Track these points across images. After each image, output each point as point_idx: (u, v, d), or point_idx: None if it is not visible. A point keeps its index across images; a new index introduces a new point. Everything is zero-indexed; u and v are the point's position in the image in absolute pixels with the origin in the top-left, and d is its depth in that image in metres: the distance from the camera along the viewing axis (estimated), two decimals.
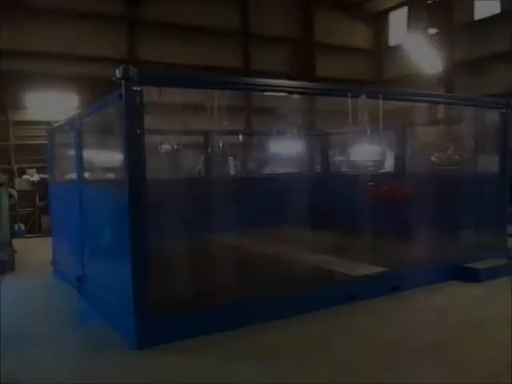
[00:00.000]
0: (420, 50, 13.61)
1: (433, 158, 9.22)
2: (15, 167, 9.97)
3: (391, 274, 4.68)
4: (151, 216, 3.88)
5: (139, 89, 3.31)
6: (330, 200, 7.88)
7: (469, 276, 5.09)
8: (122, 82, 3.26)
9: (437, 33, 13.61)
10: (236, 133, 9.36)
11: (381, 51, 15.76)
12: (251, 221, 7.01)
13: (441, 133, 9.17)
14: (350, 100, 4.50)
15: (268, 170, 11.94)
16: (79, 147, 4.61)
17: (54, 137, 6.08)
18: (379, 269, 4.71)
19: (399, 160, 7.60)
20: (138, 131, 3.32)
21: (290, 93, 4.24)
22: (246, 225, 7.00)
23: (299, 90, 4.26)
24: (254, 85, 4.24)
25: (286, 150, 11.89)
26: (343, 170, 10.63)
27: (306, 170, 11.47)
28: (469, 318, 4.00)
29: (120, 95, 3.32)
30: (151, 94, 3.65)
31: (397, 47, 14.86)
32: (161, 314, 3.45)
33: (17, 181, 9.73)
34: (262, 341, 3.52)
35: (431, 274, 4.96)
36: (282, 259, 5.26)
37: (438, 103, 5.70)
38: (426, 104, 5.88)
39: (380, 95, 4.67)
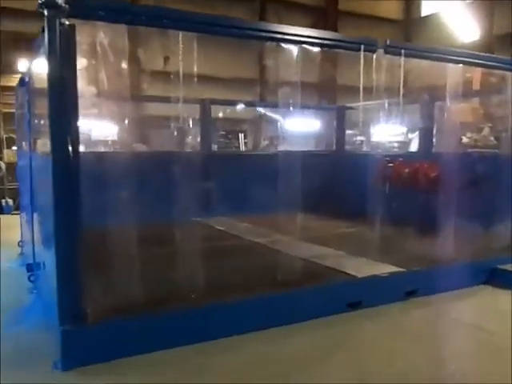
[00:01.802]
0: (457, 19, 12.37)
1: (464, 139, 8.21)
2: (4, 137, 9.35)
3: (407, 276, 3.80)
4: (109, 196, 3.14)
5: (68, 22, 2.46)
6: (341, 182, 7.00)
7: (503, 280, 4.18)
8: (45, 11, 2.42)
9: (475, 1, 12.33)
10: (244, 104, 8.51)
11: (412, 21, 14.51)
12: (248, 203, 6.24)
13: (476, 111, 8.13)
14: (362, 55, 3.57)
15: (280, 148, 11.09)
16: (28, 107, 3.82)
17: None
18: (392, 268, 3.83)
19: (424, 139, 6.60)
20: (64, 79, 2.48)
21: (283, 41, 3.33)
22: (241, 208, 6.23)
23: (293, 36, 3.33)
24: (242, 28, 3.34)
25: (300, 126, 11.01)
26: (363, 149, 9.68)
27: (319, 148, 10.60)
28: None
29: (43, 30, 2.48)
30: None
31: (430, 17, 13.61)
32: (98, 325, 2.67)
33: (5, 152, 9.12)
34: (223, 361, 2.73)
35: (456, 277, 4.06)
36: (273, 252, 4.42)
37: (476, 65, 4.69)
38: (460, 69, 4.91)
39: (402, 51, 3.72)
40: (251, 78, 12.36)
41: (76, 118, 2.56)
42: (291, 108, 8.92)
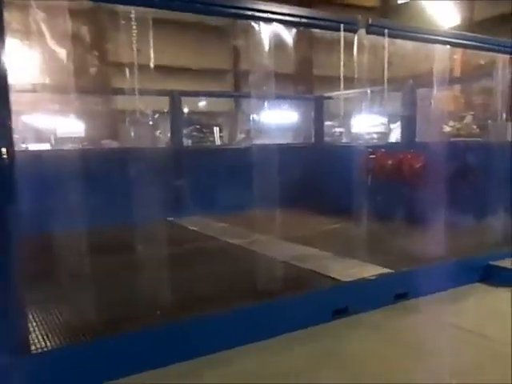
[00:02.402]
0: (435, 5, 12.18)
1: (446, 128, 8.01)
2: None
3: (396, 277, 3.50)
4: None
5: None
6: (322, 176, 6.69)
7: (498, 278, 3.91)
8: None
9: None
10: (217, 95, 8.11)
11: (389, 9, 14.30)
12: (224, 201, 5.90)
13: (458, 99, 7.93)
14: (342, 36, 3.23)
15: (257, 141, 10.74)
16: None
17: None
18: (380, 269, 3.52)
19: (407, 129, 6.32)
20: None
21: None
22: (216, 206, 5.88)
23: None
24: (208, 4, 2.94)
25: (278, 118, 10.68)
26: (342, 141, 9.40)
27: (297, 140, 10.29)
28: None
29: None
30: None
31: (407, 4, 13.41)
32: (40, 355, 2.27)
33: None
34: None
35: (448, 276, 3.78)
36: (250, 254, 4.06)
37: (466, 47, 4.39)
38: (443, 54, 4.62)
39: (386, 30, 3.39)
40: (224, 68, 11.94)
41: (6, 111, 2.14)
42: (267, 99, 8.55)
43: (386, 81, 4.95)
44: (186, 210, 6.03)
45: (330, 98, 7.64)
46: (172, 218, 5.93)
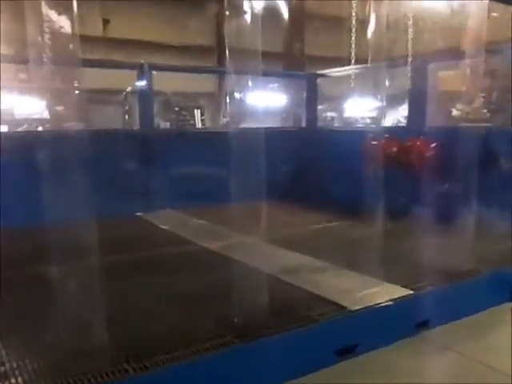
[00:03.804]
0: None
1: (454, 111, 7.26)
2: None
3: (417, 301, 2.72)
4: None
5: None
6: (316, 165, 5.91)
7: None
8: None
9: None
10: (196, 71, 7.18)
11: None
12: (203, 192, 5.11)
13: (467, 78, 7.12)
14: None
15: (243, 125, 9.91)
16: None
17: None
18: (393, 288, 2.74)
19: (415, 111, 5.52)
20: None
21: None
22: (194, 198, 5.08)
23: None
24: None
25: (265, 100, 9.84)
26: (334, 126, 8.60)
27: (286, 124, 9.48)
28: None
29: None
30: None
31: None
32: None
33: None
34: None
35: (476, 295, 3.04)
36: (229, 265, 3.24)
37: None
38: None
39: None
40: (207, 45, 11.00)
41: None
42: (253, 77, 7.58)
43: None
44: (158, 203, 5.22)
45: (324, 75, 6.81)
46: (140, 213, 5.11)
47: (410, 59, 5.80)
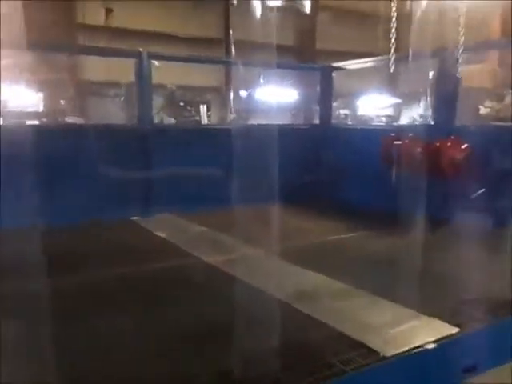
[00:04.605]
0: None
1: (482, 109, 6.71)
2: None
3: (465, 340, 2.19)
4: None
5: None
6: (331, 166, 5.40)
7: None
8: None
9: None
10: (201, 61, 6.67)
11: None
12: (206, 194, 4.66)
13: (495, 74, 6.59)
14: None
15: (251, 121, 9.39)
16: None
17: None
18: (438, 327, 2.21)
19: (444, 108, 4.96)
20: None
21: None
22: (196, 201, 4.62)
23: None
24: None
25: (275, 95, 9.33)
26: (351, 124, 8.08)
27: (300, 121, 8.98)
28: None
29: None
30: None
31: None
32: None
33: None
34: None
35: None
36: (232, 287, 2.74)
37: None
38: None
39: None
40: (215, 37, 10.50)
41: None
42: (263, 70, 7.07)
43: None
44: (157, 206, 4.73)
45: (340, 68, 6.27)
46: (136, 218, 4.63)
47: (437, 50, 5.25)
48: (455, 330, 2.18)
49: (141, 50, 4.67)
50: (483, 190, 4.06)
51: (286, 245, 3.52)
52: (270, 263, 3.15)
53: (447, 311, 2.36)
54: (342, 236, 4.05)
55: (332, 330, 2.17)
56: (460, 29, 4.30)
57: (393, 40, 4.18)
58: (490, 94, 6.62)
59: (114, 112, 8.82)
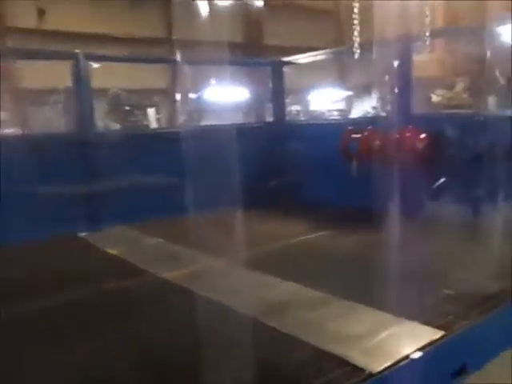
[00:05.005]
0: None
1: (434, 97, 6.75)
2: None
3: (451, 345, 2.05)
4: None
5: None
6: (291, 164, 5.23)
7: None
8: None
9: None
10: (143, 61, 6.32)
11: None
12: (161, 203, 4.41)
13: (444, 62, 6.64)
14: None
15: (203, 122, 9.11)
16: None
17: None
18: (422, 332, 2.06)
19: (400, 98, 4.88)
20: None
21: None
22: (150, 211, 4.36)
23: None
24: None
25: (225, 94, 9.11)
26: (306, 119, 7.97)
27: (253, 119, 8.82)
28: None
29: None
30: None
31: None
32: None
33: None
34: None
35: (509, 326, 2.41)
36: (196, 304, 2.50)
37: None
38: None
39: None
40: (158, 36, 10.14)
41: None
42: (211, 69, 6.83)
43: None
44: (107, 219, 4.40)
45: (290, 63, 6.12)
46: (85, 233, 4.28)
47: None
48: (440, 333, 2.03)
49: (77, 51, 4.33)
50: (444, 179, 4.02)
51: (250, 252, 3.32)
52: (234, 274, 2.93)
53: (429, 312, 2.21)
54: (308, 236, 3.88)
55: (310, 347, 1.97)
56: (411, 18, 4.23)
57: (356, 33, 4.08)
58: (441, 82, 6.68)
59: (55, 120, 8.35)
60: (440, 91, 6.66)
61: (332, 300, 2.43)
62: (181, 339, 2.13)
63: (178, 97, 10.24)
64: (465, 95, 6.34)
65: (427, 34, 3.75)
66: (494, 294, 2.39)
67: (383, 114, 7.18)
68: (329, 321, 2.20)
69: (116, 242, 3.99)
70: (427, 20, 3.54)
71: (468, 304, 2.29)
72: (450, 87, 6.73)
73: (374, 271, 2.66)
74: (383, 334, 2.03)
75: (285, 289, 2.67)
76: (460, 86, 6.60)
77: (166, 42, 10.45)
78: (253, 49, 10.57)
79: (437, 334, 2.01)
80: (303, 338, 2.04)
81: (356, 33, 4.07)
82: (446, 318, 2.16)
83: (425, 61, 6.50)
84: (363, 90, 10.45)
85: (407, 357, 1.85)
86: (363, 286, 2.55)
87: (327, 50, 5.88)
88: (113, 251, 3.71)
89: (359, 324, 2.14)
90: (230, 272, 2.95)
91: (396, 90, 4.87)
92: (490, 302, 2.30)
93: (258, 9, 10.77)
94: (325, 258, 3.22)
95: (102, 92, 8.64)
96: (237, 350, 1.90)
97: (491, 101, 5.24)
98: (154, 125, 10.13)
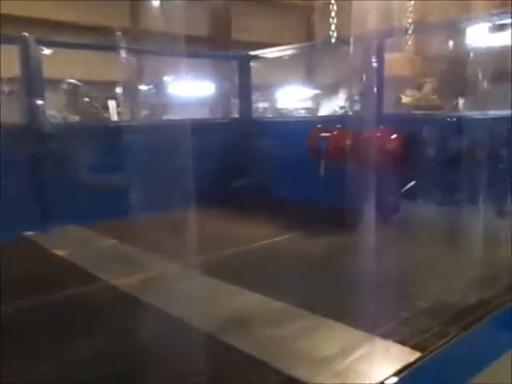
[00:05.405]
0: None
1: (404, 98, 6.64)
2: None
3: (430, 365, 1.86)
4: None
5: None
6: (257, 163, 5.03)
7: None
8: None
9: None
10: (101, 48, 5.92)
11: None
12: (117, 201, 4.07)
13: (414, 62, 6.54)
14: None
15: (166, 117, 8.79)
16: None
17: None
18: (397, 353, 1.86)
19: (371, 97, 4.73)
20: None
21: None
22: (106, 209, 4.07)
23: None
24: None
25: (190, 89, 8.81)
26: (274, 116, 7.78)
27: (219, 115, 8.58)
28: None
29: None
30: None
31: None
32: None
33: None
34: None
35: (482, 337, 2.25)
36: (143, 315, 2.23)
37: None
38: None
39: None
40: (120, 26, 9.72)
41: None
42: (176, 62, 6.59)
43: None
44: (58, 218, 4.06)
45: (258, 57, 5.89)
46: (32, 233, 3.93)
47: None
48: (416, 354, 1.84)
49: (25, 34, 3.97)
50: (413, 182, 3.91)
51: (210, 256, 3.09)
52: (190, 282, 2.68)
53: (404, 328, 2.03)
54: (273, 239, 3.65)
55: (274, 372, 1.74)
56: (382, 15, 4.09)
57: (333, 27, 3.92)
58: (411, 82, 6.60)
59: (9, 112, 7.85)
60: (410, 92, 6.59)
61: (298, 313, 2.21)
62: (121, 361, 1.87)
63: (141, 90, 9.88)
64: (433, 96, 6.28)
65: (409, 29, 3.59)
66: (473, 306, 2.22)
67: (351, 113, 7.05)
68: (295, 339, 1.98)
69: (66, 243, 3.66)
70: (410, 15, 3.39)
71: (446, 318, 2.11)
72: (420, 88, 6.67)
73: (343, 280, 2.48)
74: (355, 356, 1.82)
75: (246, 299, 2.43)
76: (427, 88, 6.53)
77: (131, 33, 10.05)
78: (220, 43, 10.30)
79: (413, 356, 1.82)
80: (265, 359, 1.81)
81: (333, 27, 3.89)
82: (423, 335, 1.97)
83: (395, 59, 6.41)
84: (331, 89, 10.35)
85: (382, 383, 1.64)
86: (332, 297, 2.36)
87: (296, 45, 5.68)
88: (61, 253, 3.39)
89: (328, 343, 1.93)
90: (186, 279, 2.70)
91: (367, 89, 4.73)
92: (469, 316, 2.13)
93: (226, 2, 10.49)
94: (291, 264, 3.00)
95: (59, 83, 8.20)
96: (185, 370, 1.66)
97: (461, 102, 5.16)
98: (114, 118, 9.74)
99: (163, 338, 1.99)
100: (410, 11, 3.44)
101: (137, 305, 2.41)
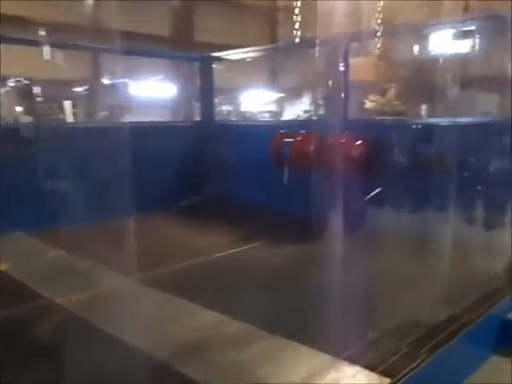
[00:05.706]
0: None
1: (367, 104, 6.57)
2: None
3: None
4: None
5: None
6: (216, 168, 4.83)
7: None
8: None
9: None
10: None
11: None
12: (68, 207, 3.78)
13: (378, 67, 6.49)
14: None
15: (125, 119, 8.46)
16: None
17: None
18: (365, 379, 1.70)
19: (333, 100, 4.61)
20: None
21: None
22: (55, 216, 3.72)
23: None
24: None
25: (151, 90, 8.53)
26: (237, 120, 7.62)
27: (180, 118, 8.36)
28: None
29: None
30: None
31: None
32: None
33: None
34: None
35: (457, 353, 2.13)
36: (81, 345, 1.99)
37: None
38: None
39: None
40: (72, 22, 9.31)
41: None
42: (136, 62, 6.42)
43: None
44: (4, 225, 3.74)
45: (220, 58, 5.70)
46: None
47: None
48: (386, 381, 1.69)
49: None
50: (379, 189, 3.81)
51: (165, 269, 2.87)
52: (141, 299, 2.45)
53: (372, 352, 1.87)
54: (234, 249, 3.46)
55: None
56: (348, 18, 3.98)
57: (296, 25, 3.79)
58: (374, 87, 6.56)
59: None
60: (373, 97, 6.55)
61: (260, 335, 2.03)
62: None
63: (98, 90, 9.50)
64: (396, 102, 6.26)
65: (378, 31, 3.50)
66: (443, 323, 2.10)
67: (315, 118, 6.95)
68: (256, 364, 1.79)
69: (8, 253, 3.35)
70: (379, 16, 3.29)
71: (415, 339, 1.97)
72: (383, 93, 6.65)
73: (307, 294, 2.32)
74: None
75: (203, 319, 2.23)
76: (391, 93, 6.51)
77: (92, 30, 9.66)
78: (182, 44, 10.05)
79: (383, 383, 1.67)
80: None
81: (297, 25, 3.75)
82: (392, 358, 1.82)
83: (359, 64, 6.35)
84: (296, 92, 10.27)
85: None
86: (296, 316, 2.19)
87: (258, 47, 5.52)
88: (1, 266, 3.09)
89: (292, 369, 1.76)
90: (136, 296, 2.47)
91: (332, 94, 4.62)
92: (438, 334, 2.01)
93: (188, 2, 10.25)
94: (252, 278, 2.82)
95: (7, 80, 7.76)
96: None
97: (424, 108, 5.13)
98: (70, 119, 9.31)
99: (101, 365, 1.76)
100: (379, 11, 3.32)
101: (77, 326, 2.17)
